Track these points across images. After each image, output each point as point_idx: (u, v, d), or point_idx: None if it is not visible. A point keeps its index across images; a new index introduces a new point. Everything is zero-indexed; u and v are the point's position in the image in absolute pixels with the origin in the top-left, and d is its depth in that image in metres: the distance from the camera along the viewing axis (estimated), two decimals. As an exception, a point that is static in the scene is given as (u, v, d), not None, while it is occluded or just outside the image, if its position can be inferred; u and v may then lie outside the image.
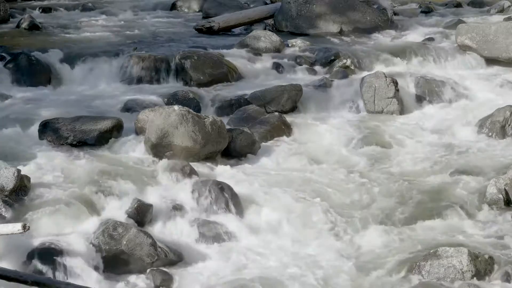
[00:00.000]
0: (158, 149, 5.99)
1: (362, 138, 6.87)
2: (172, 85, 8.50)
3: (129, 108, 7.50)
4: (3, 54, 8.98)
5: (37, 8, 14.17)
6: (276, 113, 7.27)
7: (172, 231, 5.10)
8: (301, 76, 8.81)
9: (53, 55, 9.00)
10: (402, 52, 9.60)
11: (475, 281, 4.45)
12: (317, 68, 9.18)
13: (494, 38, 9.27)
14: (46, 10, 14.15)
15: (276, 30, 11.50)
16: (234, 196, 5.42)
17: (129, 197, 5.27)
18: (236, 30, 11.81)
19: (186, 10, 14.36)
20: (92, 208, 5.14)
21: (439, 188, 5.75)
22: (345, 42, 10.57)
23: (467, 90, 8.30)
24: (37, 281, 3.49)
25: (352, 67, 9.01)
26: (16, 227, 4.22)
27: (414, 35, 11.03)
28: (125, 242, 4.71)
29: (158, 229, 5.07)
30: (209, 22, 11.58)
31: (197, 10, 14.12)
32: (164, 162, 5.90)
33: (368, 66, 9.20)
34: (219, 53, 9.26)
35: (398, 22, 12.13)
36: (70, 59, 8.92)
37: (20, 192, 5.14)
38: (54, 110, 7.15)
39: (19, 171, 5.15)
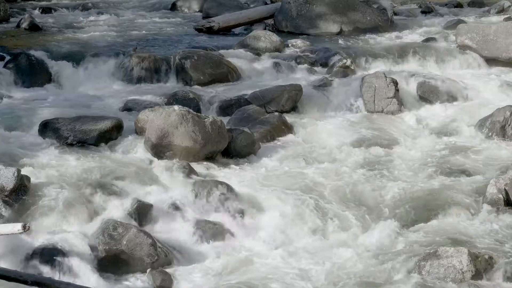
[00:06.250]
0: (158, 149, 5.99)
1: (362, 138, 6.87)
2: (172, 85, 8.51)
3: (129, 108, 7.50)
4: (3, 54, 8.98)
5: (37, 8, 14.17)
6: (276, 113, 7.27)
7: (172, 231, 5.10)
8: (301, 76, 8.80)
9: (53, 55, 9.00)
10: (402, 52, 9.61)
11: (475, 281, 4.45)
12: (317, 68, 9.18)
13: (494, 38, 9.27)
14: (46, 10, 14.15)
15: (276, 30, 11.50)
16: (234, 196, 5.43)
17: (129, 197, 5.28)
18: (236, 30, 11.81)
19: (186, 10, 14.37)
20: (92, 208, 5.14)
21: (439, 188, 5.75)
22: (345, 42, 10.57)
23: (467, 90, 8.29)
24: (37, 281, 3.48)
25: (352, 67, 9.01)
26: (16, 227, 4.22)
27: (414, 35, 11.04)
28: (125, 242, 4.72)
29: (158, 229, 5.07)
30: (209, 22, 11.58)
31: (197, 10, 14.13)
32: (164, 162, 5.90)
33: (368, 66, 9.20)
34: (219, 53, 9.26)
35: (398, 22, 12.13)
36: (70, 59, 8.92)
37: (20, 192, 5.14)
38: (54, 110, 7.14)
39: (19, 171, 5.15)
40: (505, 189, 5.48)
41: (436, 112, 7.81)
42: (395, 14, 12.71)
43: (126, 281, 4.62)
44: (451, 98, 8.14)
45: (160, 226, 5.12)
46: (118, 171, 5.67)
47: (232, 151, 6.30)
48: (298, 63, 9.25)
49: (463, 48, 9.54)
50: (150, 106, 7.01)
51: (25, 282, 3.49)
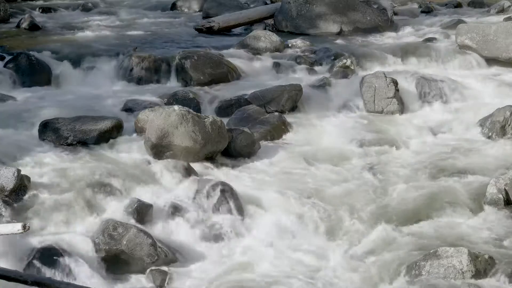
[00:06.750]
0: (158, 149, 5.99)
1: (362, 138, 6.87)
2: (172, 85, 8.51)
3: (129, 108, 7.50)
4: (3, 54, 8.99)
5: (37, 8, 14.18)
6: (276, 113, 7.27)
7: (172, 231, 5.10)
8: (301, 76, 8.80)
9: (53, 55, 9.01)
10: (402, 52, 9.60)
11: (475, 281, 4.45)
12: (317, 68, 9.17)
13: (494, 38, 9.26)
14: (46, 10, 14.17)
15: (276, 30, 11.52)
16: (234, 196, 5.42)
17: (129, 197, 5.28)
18: (236, 30, 11.82)
19: (186, 10, 14.38)
20: (92, 208, 5.14)
21: (439, 188, 5.75)
22: (345, 42, 10.57)
23: (467, 90, 8.29)
24: (37, 281, 3.49)
25: (352, 67, 9.01)
26: (16, 227, 4.22)
27: (414, 35, 11.05)
28: (125, 242, 4.72)
29: (158, 229, 5.07)
30: (209, 22, 11.59)
31: (197, 10, 14.14)
32: (164, 162, 5.90)
33: (368, 66, 9.20)
34: (219, 53, 9.26)
35: (398, 22, 12.13)
36: (70, 59, 8.92)
37: (20, 192, 5.14)
38: (54, 110, 7.14)
39: (19, 171, 5.15)
40: (505, 189, 5.48)
41: (436, 112, 7.81)
42: (395, 14, 12.71)
43: (126, 281, 4.62)
44: (451, 98, 8.13)
45: (160, 226, 5.12)
46: (118, 171, 5.68)
47: (232, 151, 6.30)
48: (298, 63, 9.25)
49: (463, 48, 9.54)
50: (150, 106, 7.01)
51: (25, 282, 3.49)
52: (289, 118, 7.31)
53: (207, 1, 13.70)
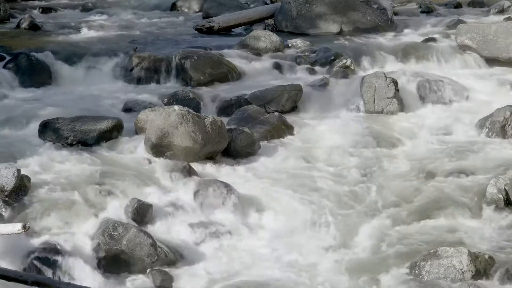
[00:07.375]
0: (158, 149, 5.99)
1: (362, 138, 6.87)
2: (172, 85, 8.50)
3: (129, 108, 7.51)
4: (3, 54, 8.97)
5: (37, 8, 14.18)
6: (276, 113, 7.27)
7: (172, 231, 5.10)
8: (301, 76, 8.79)
9: (53, 55, 8.99)
10: (402, 52, 9.60)
11: (475, 281, 4.45)
12: (317, 68, 9.16)
13: (494, 38, 9.26)
14: (46, 10, 14.17)
15: (276, 30, 11.50)
16: (234, 196, 5.43)
17: (129, 197, 5.28)
18: (236, 30, 11.81)
19: (186, 10, 14.38)
20: (92, 208, 5.14)
21: (439, 188, 5.75)
22: (345, 42, 10.56)
23: (467, 90, 8.29)
24: (37, 281, 3.49)
25: (352, 67, 8.99)
26: (16, 227, 4.23)
27: (414, 35, 11.03)
28: (125, 242, 4.72)
29: (158, 229, 5.07)
30: (209, 22, 11.59)
31: (197, 10, 14.14)
32: (164, 162, 5.90)
33: (368, 66, 9.19)
34: (219, 53, 9.26)
35: (398, 22, 12.12)
36: (70, 59, 8.91)
37: (20, 192, 5.14)
38: (54, 110, 7.14)
39: (19, 171, 5.15)
40: (505, 189, 5.48)
41: (436, 112, 7.81)
42: (395, 14, 12.69)
43: (126, 281, 4.62)
44: (451, 98, 8.13)
45: (160, 226, 5.12)
46: (118, 171, 5.68)
47: (232, 151, 6.30)
48: (298, 63, 9.24)
49: (463, 48, 9.53)
50: (150, 106, 7.02)
51: (25, 282, 3.49)
52: (289, 118, 7.31)
53: (207, 1, 13.69)
